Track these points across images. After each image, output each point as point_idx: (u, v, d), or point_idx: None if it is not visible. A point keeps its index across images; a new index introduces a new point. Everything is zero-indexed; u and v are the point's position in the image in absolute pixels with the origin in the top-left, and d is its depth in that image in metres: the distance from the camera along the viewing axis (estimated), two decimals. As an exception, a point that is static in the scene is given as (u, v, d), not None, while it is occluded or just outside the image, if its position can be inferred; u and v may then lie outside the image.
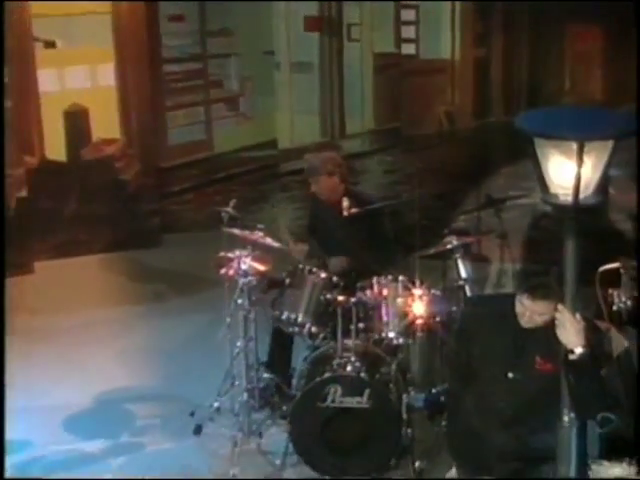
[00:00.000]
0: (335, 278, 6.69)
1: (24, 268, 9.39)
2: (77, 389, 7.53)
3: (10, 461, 6.69)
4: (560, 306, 4.42)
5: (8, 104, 9.53)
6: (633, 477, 5.27)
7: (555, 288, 4.63)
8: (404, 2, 10.25)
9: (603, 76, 9.68)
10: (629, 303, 6.16)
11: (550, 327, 4.44)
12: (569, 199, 4.30)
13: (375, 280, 6.66)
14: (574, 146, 4.25)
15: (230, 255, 6.81)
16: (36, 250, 9.61)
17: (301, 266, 6.83)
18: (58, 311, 8.70)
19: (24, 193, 9.61)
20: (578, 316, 4.37)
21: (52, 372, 7.76)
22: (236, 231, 6.86)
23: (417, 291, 6.65)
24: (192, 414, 6.97)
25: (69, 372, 7.74)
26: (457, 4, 10.25)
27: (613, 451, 5.48)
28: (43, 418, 7.17)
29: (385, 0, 10.14)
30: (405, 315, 6.63)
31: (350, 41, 10.49)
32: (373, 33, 10.45)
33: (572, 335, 4.35)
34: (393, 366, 6.56)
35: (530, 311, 4.66)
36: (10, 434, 6.90)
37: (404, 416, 6.46)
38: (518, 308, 4.72)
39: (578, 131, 4.33)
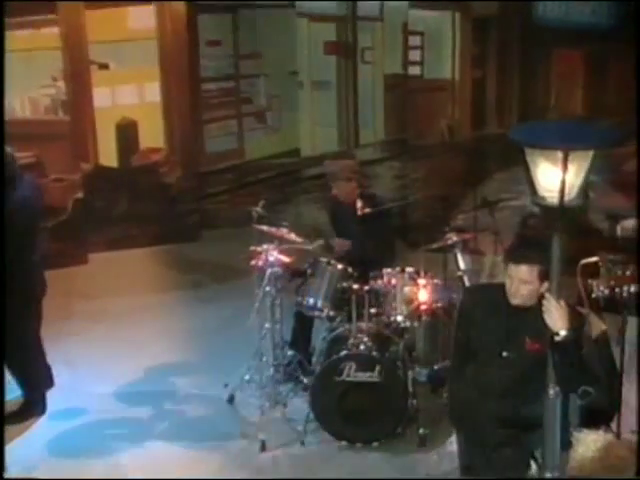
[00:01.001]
0: (350, 269, 6.71)
1: (79, 259, 9.42)
2: (127, 363, 7.57)
3: (68, 426, 6.80)
4: (547, 294, 4.43)
5: (67, 118, 9.58)
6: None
7: (535, 254, 4.65)
8: (411, 29, 10.23)
9: (583, 94, 9.67)
10: (606, 292, 6.14)
11: (538, 312, 4.46)
12: (555, 201, 4.31)
13: (385, 271, 6.70)
14: (560, 155, 4.26)
15: (259, 248, 6.83)
16: (90, 244, 9.65)
17: (321, 258, 6.84)
18: (109, 296, 8.74)
19: (80, 195, 9.63)
20: (562, 303, 4.39)
21: (105, 348, 7.80)
22: (264, 228, 6.89)
23: (422, 281, 6.72)
24: (226, 385, 7.01)
25: (120, 349, 7.78)
26: (457, 32, 10.24)
27: (591, 420, 5.48)
28: (97, 388, 7.21)
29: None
30: (411, 301, 6.68)
31: (364, 63, 10.49)
32: (384, 56, 10.43)
33: (557, 319, 4.36)
34: (400, 346, 6.60)
35: (516, 280, 4.68)
36: (68, 403, 7.00)
37: (410, 389, 6.50)
38: (507, 284, 4.73)
39: (563, 142, 4.34)
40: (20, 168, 6.56)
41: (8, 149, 6.46)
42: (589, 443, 5.48)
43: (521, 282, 4.67)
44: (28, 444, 6.55)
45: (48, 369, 6.97)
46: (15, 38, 9.28)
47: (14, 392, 6.93)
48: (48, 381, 6.98)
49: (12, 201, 6.24)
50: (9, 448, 6.44)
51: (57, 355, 7.11)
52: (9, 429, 6.66)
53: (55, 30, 9.39)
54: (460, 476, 5.12)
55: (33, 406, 6.90)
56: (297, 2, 9.99)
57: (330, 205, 7.31)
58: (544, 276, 4.60)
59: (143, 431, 6.69)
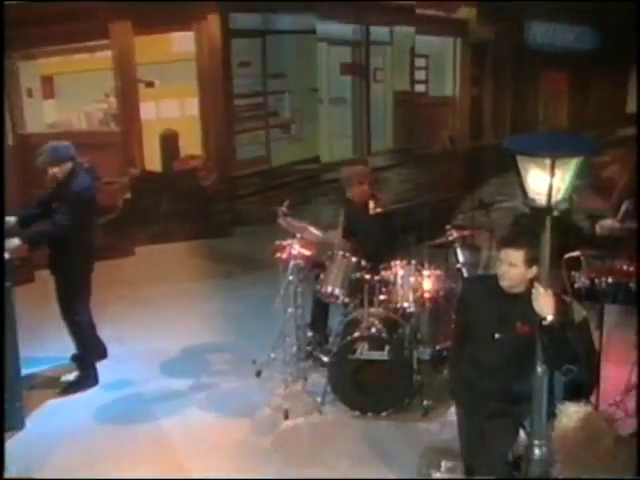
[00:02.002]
0: (363, 262, 6.70)
1: (127, 252, 9.44)
2: (167, 341, 7.59)
3: (116, 396, 6.81)
4: (536, 284, 4.43)
5: (117, 129, 9.60)
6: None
7: (522, 240, 4.65)
8: (418, 52, 10.22)
9: (568, 110, 9.62)
10: (587, 283, 6.14)
11: (527, 299, 4.44)
12: (543, 202, 4.31)
13: (393, 263, 6.69)
14: (548, 162, 4.26)
15: (283, 243, 6.82)
16: (136, 238, 9.65)
17: (338, 252, 6.83)
18: (153, 284, 8.75)
19: (128, 196, 9.65)
20: (549, 291, 4.38)
21: (149, 328, 7.82)
22: (288, 219, 6.86)
23: (426, 272, 6.73)
24: (254, 362, 7.02)
25: (162, 329, 7.80)
26: (458, 55, 10.22)
27: (573, 394, 5.47)
28: (142, 363, 7.24)
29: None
30: (416, 290, 6.68)
31: (375, 82, 10.44)
32: (393, 76, 10.40)
33: (544, 306, 4.35)
34: (407, 328, 6.58)
35: (505, 263, 4.65)
36: (115, 375, 7.01)
37: (415, 366, 6.50)
38: (498, 268, 4.71)
39: (551, 151, 4.33)
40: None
41: (72, 149, 6.59)
42: (571, 414, 5.46)
43: (509, 265, 4.64)
44: (82, 412, 6.57)
45: (100, 343, 7.00)
46: (73, 61, 9.33)
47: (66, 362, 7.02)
48: (101, 353, 7.02)
49: (75, 185, 6.52)
50: (67, 415, 6.51)
51: (109, 333, 7.14)
52: (68, 398, 6.72)
53: (108, 53, 9.41)
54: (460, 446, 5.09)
55: (88, 377, 6.93)
56: (318, 28, 9.97)
57: (345, 206, 7.29)
58: (530, 261, 4.57)
59: (182, 400, 6.71)
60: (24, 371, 6.50)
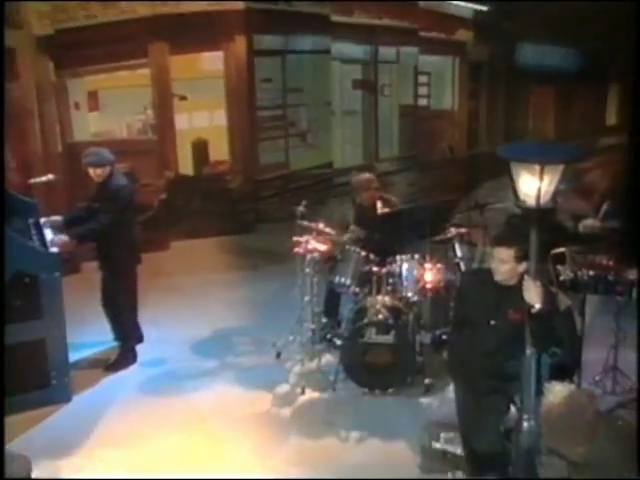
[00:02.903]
0: (371, 256, 6.69)
1: (163, 246, 9.44)
2: (199, 325, 7.58)
3: (152, 373, 6.83)
4: (526, 276, 4.43)
5: (154, 138, 9.61)
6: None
7: (511, 240, 4.64)
8: (420, 70, 10.21)
9: (554, 121, 9.60)
10: (570, 275, 6.12)
11: (518, 290, 4.44)
12: (533, 203, 4.30)
13: (399, 257, 6.68)
14: (537, 168, 4.24)
15: (301, 239, 6.82)
16: (171, 234, 9.65)
17: (348, 247, 6.83)
18: (186, 274, 8.76)
19: (164, 196, 9.67)
20: (537, 283, 4.37)
21: (181, 313, 7.81)
22: (305, 223, 6.86)
23: (427, 265, 6.70)
24: (274, 344, 7.00)
25: (194, 314, 7.79)
26: (456, 73, 10.22)
27: (558, 374, 5.45)
28: (176, 343, 7.25)
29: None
30: (419, 281, 6.65)
31: (383, 96, 10.43)
32: (399, 91, 10.39)
33: (533, 296, 4.35)
34: (410, 315, 6.56)
35: (497, 260, 4.65)
36: (152, 354, 7.03)
37: (417, 349, 6.49)
38: (491, 264, 4.70)
39: (539, 158, 4.33)
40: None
41: (111, 155, 6.67)
42: (556, 392, 5.45)
43: (501, 262, 4.64)
44: (123, 387, 6.60)
45: (138, 328, 7.04)
46: (115, 78, 9.35)
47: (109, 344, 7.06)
48: (139, 337, 7.05)
49: (113, 185, 6.60)
50: (110, 389, 6.54)
51: (146, 317, 7.16)
52: (108, 375, 6.75)
53: (146, 71, 9.43)
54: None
55: (127, 357, 6.96)
56: (332, 49, 9.97)
57: (356, 207, 7.27)
58: (520, 258, 4.57)
59: (211, 377, 6.72)
60: (73, 351, 6.55)
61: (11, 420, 5.91)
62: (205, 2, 9.31)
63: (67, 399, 6.29)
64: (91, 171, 6.62)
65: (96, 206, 6.59)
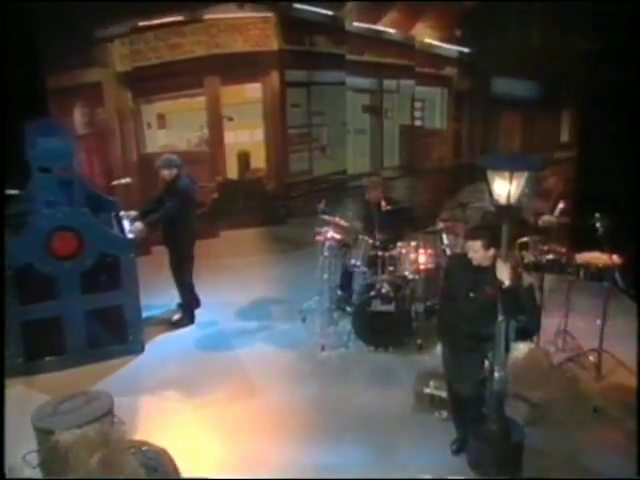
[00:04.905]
0: (377, 243, 6.64)
1: (214, 235, 9.39)
2: (241, 295, 7.55)
3: (206, 332, 6.83)
4: (499, 259, 4.41)
5: (208, 150, 9.58)
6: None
7: (478, 234, 4.59)
8: (417, 98, 10.14)
9: (521, 138, 9.51)
10: (532, 259, 6.07)
11: (493, 270, 4.41)
12: (504, 202, 4.28)
13: (399, 244, 6.64)
14: (507, 174, 4.23)
15: (321, 230, 6.78)
16: (220, 225, 9.60)
17: (359, 236, 6.78)
18: (231, 256, 8.72)
19: (215, 195, 9.63)
20: (507, 265, 4.34)
21: (230, 286, 7.77)
22: (325, 217, 6.82)
23: (421, 251, 6.66)
24: (300, 311, 6.96)
25: (238, 286, 7.74)
26: (445, 100, 10.14)
27: (522, 336, 5.39)
28: (224, 309, 7.23)
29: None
30: (414, 263, 6.61)
31: (386, 118, 10.33)
32: (399, 114, 10.32)
33: (504, 275, 4.33)
34: (407, 290, 6.50)
35: (471, 250, 4.60)
36: (206, 317, 7.03)
37: (413, 316, 6.47)
38: (468, 252, 4.65)
39: (509, 166, 4.33)
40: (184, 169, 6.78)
41: (178, 160, 6.68)
42: (520, 349, 5.44)
43: (473, 250, 4.59)
44: (184, 342, 6.63)
45: (196, 297, 7.04)
46: (179, 103, 9.32)
47: (174, 310, 7.05)
48: (197, 303, 7.06)
49: (178, 185, 6.58)
50: (173, 344, 6.56)
51: (201, 289, 7.15)
52: (173, 332, 6.77)
53: (202, 98, 9.39)
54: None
55: (187, 319, 6.98)
56: (347, 81, 9.91)
57: (365, 204, 7.21)
58: (487, 246, 4.51)
59: (250, 337, 6.72)
60: (146, 311, 6.60)
61: (97, 367, 6.01)
62: (249, 46, 9.28)
63: (141, 351, 6.33)
64: (162, 172, 6.62)
65: (165, 200, 6.60)
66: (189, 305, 6.98)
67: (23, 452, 3.73)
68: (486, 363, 4.65)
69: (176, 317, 6.97)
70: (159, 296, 7.11)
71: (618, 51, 6.96)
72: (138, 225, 6.47)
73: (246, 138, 9.78)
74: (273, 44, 9.36)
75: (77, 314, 6.01)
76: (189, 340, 6.66)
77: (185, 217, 6.61)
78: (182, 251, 6.75)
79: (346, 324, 6.66)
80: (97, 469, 3.10)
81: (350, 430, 5.18)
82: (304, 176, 10.15)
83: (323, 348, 6.37)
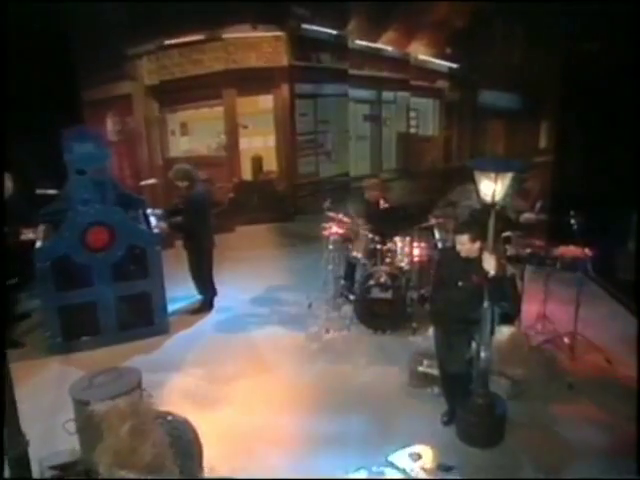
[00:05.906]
0: (376, 237, 6.62)
1: (230, 230, 9.36)
2: (254, 283, 7.52)
3: (224, 316, 6.81)
4: (485, 251, 4.40)
5: (225, 154, 9.56)
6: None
7: (465, 229, 4.58)
8: (412, 107, 10.11)
9: (504, 144, 9.49)
10: (514, 252, 6.06)
11: (479, 261, 4.40)
12: (490, 201, 4.27)
13: (395, 238, 6.62)
14: (493, 175, 4.20)
15: (326, 225, 6.77)
16: (236, 221, 9.58)
17: (360, 231, 6.75)
18: (246, 249, 8.69)
19: (231, 195, 9.61)
20: (493, 256, 4.34)
21: (243, 275, 7.73)
22: (330, 214, 6.80)
23: (415, 244, 6.63)
24: (308, 298, 6.92)
25: (252, 276, 7.70)
26: (437, 110, 10.12)
27: (504, 320, 5.37)
28: (239, 296, 7.21)
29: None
30: (409, 255, 6.59)
31: (385, 126, 10.30)
32: (396, 122, 10.28)
33: (490, 265, 4.32)
34: (403, 279, 6.48)
35: (459, 243, 4.59)
36: (224, 303, 7.00)
37: (408, 302, 6.45)
38: (457, 245, 4.64)
39: (494, 168, 4.30)
40: (197, 178, 6.68)
41: (190, 167, 6.62)
42: (503, 332, 5.41)
43: (461, 244, 4.58)
44: (204, 326, 6.64)
45: (214, 286, 7.02)
46: (200, 113, 9.29)
47: (195, 298, 7.03)
48: (214, 292, 7.04)
49: (191, 195, 6.51)
50: (195, 326, 6.56)
51: (219, 278, 7.13)
52: (195, 317, 6.76)
53: (221, 108, 9.37)
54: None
55: (206, 305, 6.97)
56: (349, 93, 9.86)
57: (365, 203, 7.18)
58: (473, 239, 4.50)
59: (264, 321, 6.71)
60: (170, 303, 6.55)
61: (126, 347, 6.02)
62: (262, 62, 9.26)
63: (166, 332, 6.34)
64: (176, 182, 6.58)
65: (182, 206, 6.58)
66: (207, 293, 6.96)
67: (62, 421, 3.75)
68: (473, 344, 4.66)
69: (197, 303, 6.97)
70: (181, 285, 7.06)
71: (589, 68, 6.99)
72: (162, 223, 6.49)
73: (259, 144, 9.75)
74: (283, 60, 9.34)
75: (109, 300, 6.04)
76: (208, 324, 6.66)
77: (200, 223, 6.58)
78: (198, 247, 6.73)
79: (348, 310, 6.66)
80: (127, 436, 3.13)
81: (352, 403, 5.19)
82: (311, 178, 10.13)
83: (328, 331, 6.37)
